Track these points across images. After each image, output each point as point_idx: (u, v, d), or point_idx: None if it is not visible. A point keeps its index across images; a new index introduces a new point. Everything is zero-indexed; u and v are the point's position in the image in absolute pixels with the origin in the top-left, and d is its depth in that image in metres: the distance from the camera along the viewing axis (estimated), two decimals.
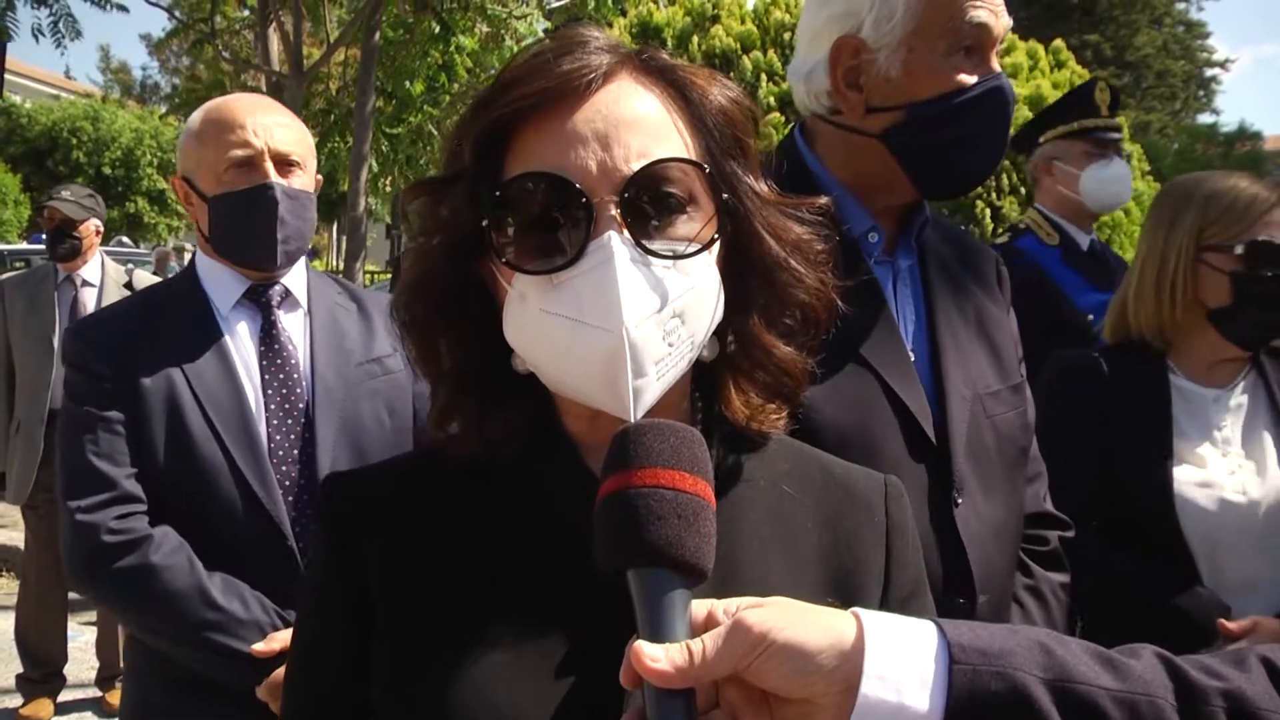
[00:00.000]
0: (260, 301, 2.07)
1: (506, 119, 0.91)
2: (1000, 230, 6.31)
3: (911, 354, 1.56)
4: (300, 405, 2.00)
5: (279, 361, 2.02)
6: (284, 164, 2.03)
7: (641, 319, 0.86)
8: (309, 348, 2.06)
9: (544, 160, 0.89)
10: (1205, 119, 38.81)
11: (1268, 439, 2.15)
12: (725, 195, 0.93)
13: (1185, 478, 2.10)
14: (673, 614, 0.74)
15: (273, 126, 2.02)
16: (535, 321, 0.90)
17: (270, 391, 1.99)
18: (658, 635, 0.72)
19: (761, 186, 0.97)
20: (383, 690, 0.95)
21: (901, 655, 0.71)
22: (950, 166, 1.57)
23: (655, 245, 0.88)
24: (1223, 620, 1.99)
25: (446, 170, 0.97)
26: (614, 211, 0.87)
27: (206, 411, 1.91)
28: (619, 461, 0.78)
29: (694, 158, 0.93)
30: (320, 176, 2.20)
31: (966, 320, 1.66)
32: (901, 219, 1.62)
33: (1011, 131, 1.69)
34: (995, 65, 1.55)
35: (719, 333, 0.97)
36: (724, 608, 0.76)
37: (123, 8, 9.39)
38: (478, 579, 0.94)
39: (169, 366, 1.92)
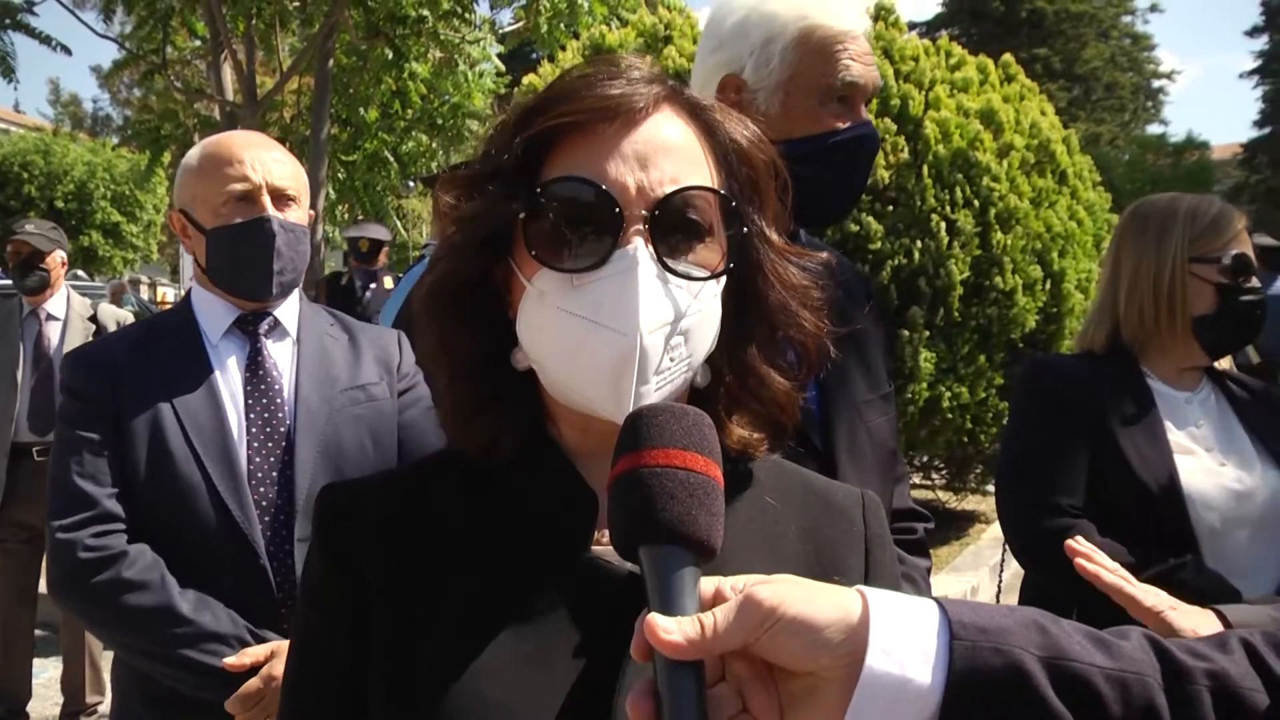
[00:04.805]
0: (249, 330, 2.13)
1: (557, 128, 0.96)
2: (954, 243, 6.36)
3: None
4: (282, 429, 2.05)
5: (263, 387, 2.08)
6: (280, 198, 2.11)
7: (654, 328, 0.91)
8: (294, 374, 2.12)
9: (585, 170, 0.94)
10: (1154, 129, 39.69)
11: (1242, 434, 2.25)
12: (736, 231, 0.98)
13: (1188, 467, 2.16)
14: (684, 589, 0.75)
15: (270, 162, 2.10)
16: (551, 319, 0.94)
17: (253, 415, 2.04)
18: (669, 610, 0.74)
19: (771, 233, 1.02)
20: (381, 705, 0.96)
21: (905, 630, 0.72)
22: (819, 199, 1.68)
23: (675, 265, 0.94)
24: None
25: (481, 167, 1.01)
26: (642, 226, 0.92)
27: (189, 434, 1.96)
28: (632, 442, 0.81)
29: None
30: (314, 211, 2.29)
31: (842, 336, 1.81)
32: None
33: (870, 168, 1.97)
34: (864, 114, 1.78)
35: (717, 363, 1.02)
36: (731, 584, 0.77)
37: (66, 49, 9.33)
38: (472, 587, 0.97)
39: (157, 390, 1.99)
